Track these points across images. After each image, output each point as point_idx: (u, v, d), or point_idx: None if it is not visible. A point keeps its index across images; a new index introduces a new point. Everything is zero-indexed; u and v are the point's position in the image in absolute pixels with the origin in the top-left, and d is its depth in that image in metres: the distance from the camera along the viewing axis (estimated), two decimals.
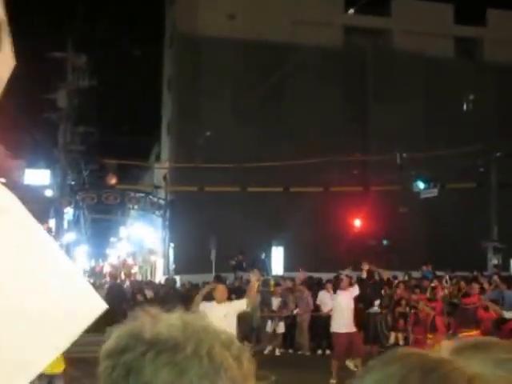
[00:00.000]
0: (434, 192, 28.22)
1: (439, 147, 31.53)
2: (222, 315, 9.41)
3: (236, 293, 20.17)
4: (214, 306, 9.87)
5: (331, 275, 22.10)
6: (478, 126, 37.85)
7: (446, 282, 18.28)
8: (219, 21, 39.89)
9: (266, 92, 33.29)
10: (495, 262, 26.84)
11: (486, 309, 13.25)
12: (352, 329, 13.61)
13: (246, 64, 38.69)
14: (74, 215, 41.62)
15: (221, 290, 10.35)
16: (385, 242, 34.54)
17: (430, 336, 12.33)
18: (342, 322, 13.48)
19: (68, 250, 42.44)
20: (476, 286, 17.43)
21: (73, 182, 36.59)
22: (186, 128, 38.74)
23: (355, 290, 14.11)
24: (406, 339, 17.10)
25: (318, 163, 31.12)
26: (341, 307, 13.64)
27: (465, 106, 37.66)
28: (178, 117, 40.79)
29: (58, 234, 31.50)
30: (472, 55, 44.81)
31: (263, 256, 31.58)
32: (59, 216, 33.96)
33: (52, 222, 33.44)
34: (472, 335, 11.67)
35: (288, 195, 33.81)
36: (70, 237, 40.15)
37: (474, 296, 12.59)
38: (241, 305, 10.29)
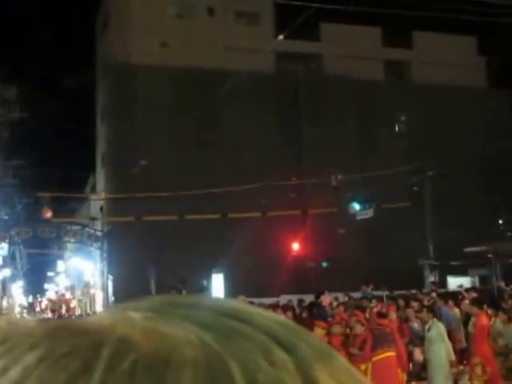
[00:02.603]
0: (370, 213, 28.57)
1: (374, 168, 32.00)
2: None
3: None
4: None
5: (273, 300, 22.12)
6: (410, 146, 38.63)
7: (383, 301, 18.43)
8: (152, 49, 39.84)
9: (201, 118, 33.30)
10: (432, 279, 27.24)
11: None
12: None
13: (180, 91, 38.63)
14: (9, 251, 40.59)
15: None
16: (324, 264, 34.72)
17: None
18: None
19: (4, 286, 41.37)
20: (415, 304, 17.69)
21: (6, 217, 35.78)
22: (120, 158, 38.37)
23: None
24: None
25: (255, 188, 31.21)
26: None
27: (397, 127, 38.41)
28: (113, 147, 40.40)
29: None
30: (401, 77, 45.87)
31: (205, 283, 31.48)
32: None
33: None
34: (388, 356, 11.43)
35: (226, 222, 33.73)
36: (5, 273, 39.16)
37: (386, 320, 12.38)
38: None
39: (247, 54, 38.40)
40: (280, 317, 0.48)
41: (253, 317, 0.45)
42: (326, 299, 16.11)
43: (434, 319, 13.21)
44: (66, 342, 0.41)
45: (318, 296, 16.88)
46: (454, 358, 13.36)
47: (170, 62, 38.98)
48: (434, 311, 13.87)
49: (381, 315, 12.36)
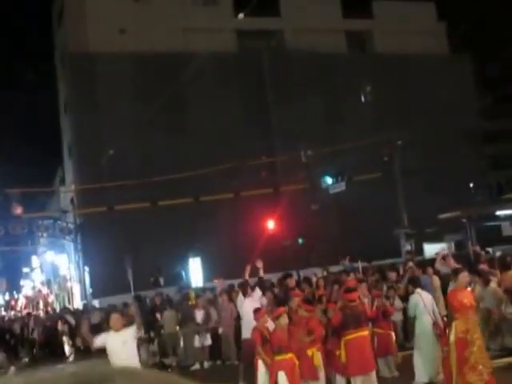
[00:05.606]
0: (342, 186, 28.50)
1: (343, 141, 31.95)
2: (120, 343, 9.45)
3: (160, 310, 20.06)
4: (111, 335, 9.76)
5: (251, 280, 22.03)
6: (377, 117, 38.63)
7: (359, 273, 18.43)
8: (110, 36, 39.24)
9: (166, 103, 32.92)
10: (408, 247, 27.33)
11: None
12: None
13: (142, 77, 38.16)
14: None
15: (114, 318, 10.07)
16: (300, 241, 34.68)
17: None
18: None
19: None
20: (393, 275, 17.72)
21: None
22: (87, 148, 37.89)
23: (256, 294, 14.23)
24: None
25: (226, 170, 31.01)
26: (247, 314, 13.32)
27: (363, 98, 38.31)
28: (79, 138, 39.86)
29: None
30: (363, 47, 45.85)
31: (181, 270, 31.37)
32: None
33: None
34: (362, 335, 10.88)
35: (200, 205, 33.47)
36: None
37: (355, 294, 11.28)
38: (134, 331, 10.07)
39: (208, 35, 38.07)
40: None
41: None
42: (291, 282, 16.29)
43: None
44: None
45: (284, 278, 16.94)
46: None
47: (129, 49, 38.44)
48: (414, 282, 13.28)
49: (347, 290, 11.48)
